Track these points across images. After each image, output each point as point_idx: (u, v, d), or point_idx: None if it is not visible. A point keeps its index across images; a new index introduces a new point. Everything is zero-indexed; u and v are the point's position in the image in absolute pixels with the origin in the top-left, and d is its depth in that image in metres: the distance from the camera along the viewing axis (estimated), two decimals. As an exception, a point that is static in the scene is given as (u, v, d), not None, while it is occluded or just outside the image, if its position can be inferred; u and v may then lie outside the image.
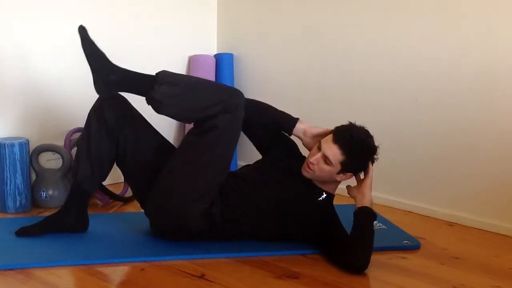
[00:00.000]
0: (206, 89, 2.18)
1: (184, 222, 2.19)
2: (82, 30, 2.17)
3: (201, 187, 2.17)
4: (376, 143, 2.22)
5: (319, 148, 2.20)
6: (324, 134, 2.26)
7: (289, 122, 2.35)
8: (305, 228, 2.28)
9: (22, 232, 2.27)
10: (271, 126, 2.39)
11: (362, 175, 2.28)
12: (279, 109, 2.39)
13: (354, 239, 2.13)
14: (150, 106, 2.15)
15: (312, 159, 2.20)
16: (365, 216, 2.18)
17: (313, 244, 2.29)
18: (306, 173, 2.25)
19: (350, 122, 2.23)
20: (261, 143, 2.47)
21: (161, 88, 2.11)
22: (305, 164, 2.25)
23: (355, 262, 2.08)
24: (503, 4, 2.50)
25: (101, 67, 2.17)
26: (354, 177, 2.28)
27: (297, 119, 2.35)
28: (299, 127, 2.33)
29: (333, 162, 2.17)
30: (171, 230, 2.26)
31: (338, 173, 2.21)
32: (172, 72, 2.20)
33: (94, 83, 2.19)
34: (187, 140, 2.25)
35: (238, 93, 2.20)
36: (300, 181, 2.29)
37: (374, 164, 2.25)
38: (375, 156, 2.23)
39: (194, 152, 2.18)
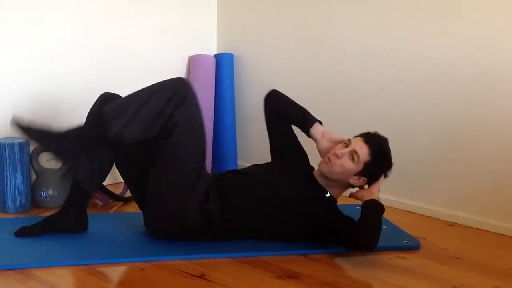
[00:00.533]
0: (152, 95, 2.12)
1: (183, 222, 2.20)
2: (17, 123, 2.16)
3: (188, 183, 2.18)
4: None
5: (346, 145, 2.25)
6: (341, 141, 2.32)
7: (312, 119, 2.41)
8: (309, 223, 2.28)
9: (22, 233, 2.27)
10: (295, 118, 2.44)
11: (366, 187, 2.33)
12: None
13: (363, 221, 2.18)
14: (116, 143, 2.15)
15: (338, 152, 2.24)
16: (373, 206, 2.22)
17: (315, 241, 2.30)
18: (324, 165, 2.28)
19: (375, 131, 2.31)
20: (279, 143, 2.50)
21: (112, 123, 2.08)
22: (325, 158, 2.29)
23: (365, 239, 2.13)
24: (503, 4, 2.50)
25: (53, 142, 2.17)
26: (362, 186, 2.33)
27: (319, 120, 2.41)
28: (319, 127, 2.38)
29: (360, 159, 2.21)
30: (172, 231, 2.26)
31: (356, 174, 2.26)
32: (114, 102, 2.17)
33: (60, 159, 2.21)
34: (157, 145, 2.20)
35: (181, 81, 2.19)
36: (307, 180, 2.33)
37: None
38: (389, 171, 2.31)
39: (169, 154, 2.17)
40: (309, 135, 2.41)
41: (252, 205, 2.27)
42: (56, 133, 2.17)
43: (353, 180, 2.28)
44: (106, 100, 2.27)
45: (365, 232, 2.15)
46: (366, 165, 2.24)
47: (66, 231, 2.29)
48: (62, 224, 2.29)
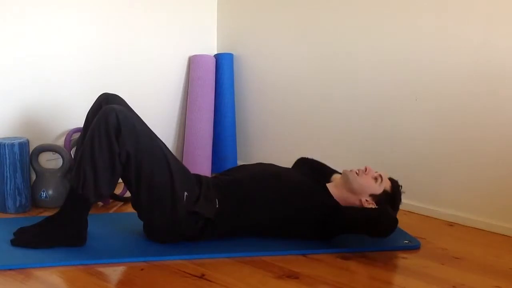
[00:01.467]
0: (93, 144, 2.12)
1: (177, 229, 2.23)
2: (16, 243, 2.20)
3: (166, 193, 2.19)
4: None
5: (377, 172, 2.39)
6: None
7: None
8: (310, 218, 2.31)
9: (18, 243, 2.20)
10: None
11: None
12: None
13: (374, 210, 2.31)
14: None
15: (367, 167, 2.39)
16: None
17: (316, 235, 2.32)
18: (351, 173, 2.37)
19: None
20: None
21: (85, 194, 2.12)
22: (352, 169, 2.39)
23: (384, 228, 2.23)
24: (503, 5, 2.50)
25: (37, 240, 2.20)
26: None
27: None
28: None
29: (383, 182, 2.36)
30: (171, 238, 2.28)
31: (371, 194, 2.34)
32: (72, 173, 2.20)
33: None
34: (125, 176, 2.21)
35: (105, 112, 2.14)
36: (313, 181, 2.41)
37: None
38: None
39: (135, 179, 2.18)
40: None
41: (251, 198, 2.29)
42: (33, 230, 2.22)
43: (365, 199, 2.35)
44: (105, 101, 2.27)
45: (381, 211, 2.27)
46: (384, 192, 2.36)
47: (65, 245, 2.21)
48: (60, 238, 2.21)
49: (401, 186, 2.44)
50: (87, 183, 2.12)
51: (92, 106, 2.30)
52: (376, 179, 2.37)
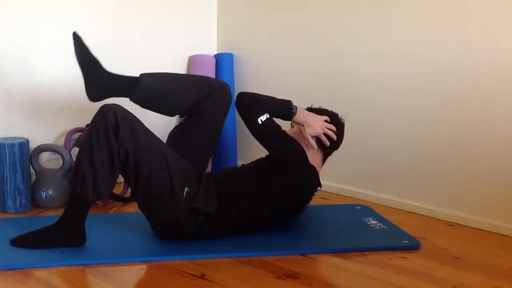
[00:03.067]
0: (91, 143, 2.12)
1: (177, 225, 2.24)
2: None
3: (164, 189, 2.19)
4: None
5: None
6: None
7: (289, 109, 2.44)
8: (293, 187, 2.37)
9: (18, 243, 2.20)
10: (276, 115, 2.45)
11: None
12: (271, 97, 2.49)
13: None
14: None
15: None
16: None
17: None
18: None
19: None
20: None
21: (84, 194, 2.13)
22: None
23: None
24: (502, 5, 2.50)
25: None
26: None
27: (289, 101, 2.45)
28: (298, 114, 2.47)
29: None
30: (170, 230, 2.28)
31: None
32: (71, 174, 2.22)
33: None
34: (124, 173, 2.24)
35: (103, 111, 2.15)
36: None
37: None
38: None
39: (134, 176, 2.19)
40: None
41: (244, 191, 2.32)
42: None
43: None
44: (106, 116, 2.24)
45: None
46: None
47: (64, 246, 2.20)
48: (60, 238, 2.21)
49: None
50: (85, 183, 2.12)
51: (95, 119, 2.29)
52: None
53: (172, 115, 2.49)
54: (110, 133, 2.10)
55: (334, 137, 2.46)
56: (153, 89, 2.31)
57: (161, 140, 2.30)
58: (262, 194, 2.33)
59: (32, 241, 2.20)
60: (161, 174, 2.19)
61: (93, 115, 2.17)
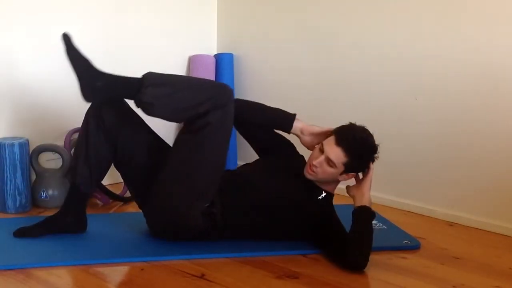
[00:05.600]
0: (195, 86, 2.16)
1: (185, 222, 2.20)
2: (66, 38, 2.19)
3: (199, 186, 2.17)
4: (376, 142, 2.23)
5: (322, 151, 2.20)
6: (322, 133, 2.29)
7: (287, 121, 2.35)
8: (305, 225, 2.28)
9: (20, 233, 2.27)
10: (269, 126, 2.41)
11: (361, 175, 2.28)
12: (273, 107, 2.40)
13: (353, 238, 2.13)
14: (139, 109, 2.15)
15: (315, 162, 2.20)
16: (364, 215, 2.19)
17: (312, 241, 2.29)
18: (309, 175, 2.26)
19: (350, 123, 2.24)
20: (259, 145, 2.49)
21: (148, 90, 2.09)
22: (307, 166, 2.25)
23: (354, 260, 2.08)
24: (504, 4, 2.50)
25: (87, 74, 2.17)
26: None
27: (294, 116, 2.35)
28: (296, 126, 2.34)
29: (336, 164, 2.18)
30: (172, 231, 2.26)
31: (341, 174, 2.23)
32: (158, 73, 2.18)
33: (80, 90, 2.18)
34: (180, 139, 2.23)
35: (227, 88, 2.19)
36: (300, 181, 2.30)
37: (374, 163, 2.26)
38: (376, 155, 2.24)
39: (189, 151, 2.16)
40: (289, 133, 2.39)
41: (248, 209, 2.27)
42: (94, 70, 2.19)
43: (342, 178, 2.27)
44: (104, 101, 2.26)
45: (355, 253, 2.09)
46: (346, 165, 2.19)
47: (65, 232, 2.28)
48: (62, 224, 2.28)
49: (354, 134, 2.17)
50: (156, 90, 2.09)
51: (90, 106, 2.29)
52: (328, 163, 2.18)
53: (179, 120, 2.33)
54: (212, 100, 2.10)
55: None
56: (161, 85, 2.13)
57: None
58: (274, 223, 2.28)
59: (33, 229, 2.24)
60: (212, 170, 2.18)
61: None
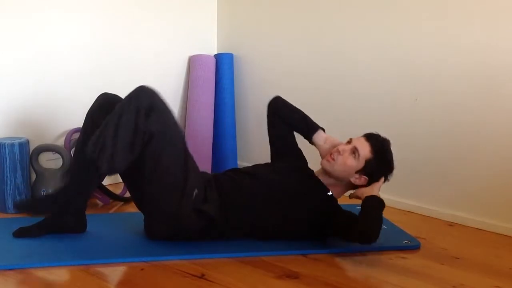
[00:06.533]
0: (121, 115, 2.08)
1: (179, 224, 2.22)
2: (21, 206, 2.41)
3: (177, 185, 2.18)
4: None
5: (349, 142, 2.29)
6: (342, 144, 2.36)
7: (315, 126, 2.45)
8: (310, 221, 2.30)
9: (20, 233, 2.27)
10: (298, 128, 2.49)
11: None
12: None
13: (365, 213, 2.18)
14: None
15: (340, 148, 2.28)
16: (375, 201, 2.23)
17: (315, 239, 2.31)
18: (326, 163, 2.31)
19: (377, 133, 2.35)
20: (281, 149, 2.53)
21: (99, 162, 2.06)
22: (327, 155, 2.32)
23: (366, 231, 2.14)
24: (504, 6, 2.50)
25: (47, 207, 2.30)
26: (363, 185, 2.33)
27: (322, 127, 2.45)
28: (321, 134, 2.43)
29: (361, 155, 2.25)
30: (171, 234, 2.27)
31: (357, 172, 2.28)
32: (92, 139, 2.10)
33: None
34: (140, 157, 2.16)
35: (142, 89, 2.14)
36: (309, 178, 2.35)
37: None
38: (390, 175, 2.33)
39: (151, 164, 2.15)
40: (311, 142, 2.44)
41: (252, 204, 2.28)
42: (51, 196, 2.33)
43: (354, 179, 2.30)
44: (105, 101, 2.26)
45: (367, 224, 2.16)
46: (367, 162, 2.27)
47: (65, 232, 2.29)
48: (61, 224, 2.28)
49: (384, 139, 2.31)
50: (103, 153, 2.05)
51: (91, 107, 2.30)
52: (353, 154, 2.26)
53: (136, 152, 2.17)
54: (141, 113, 2.07)
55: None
56: (102, 144, 2.07)
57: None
58: (274, 214, 2.29)
59: (32, 229, 2.25)
60: (179, 169, 2.18)
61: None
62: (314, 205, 2.30)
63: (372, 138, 2.30)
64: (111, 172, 2.21)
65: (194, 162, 2.31)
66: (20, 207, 2.42)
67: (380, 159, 2.28)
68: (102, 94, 2.33)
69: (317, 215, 2.28)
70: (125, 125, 2.06)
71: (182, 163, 2.20)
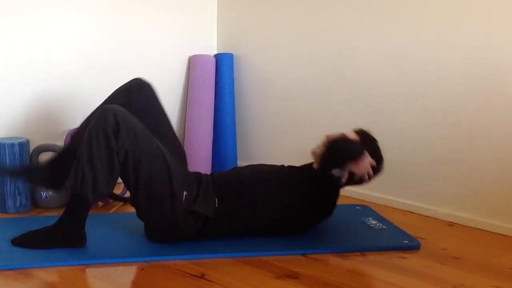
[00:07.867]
0: (90, 142, 2.10)
1: (176, 229, 2.23)
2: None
3: (165, 192, 2.19)
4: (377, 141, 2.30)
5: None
6: None
7: None
8: (310, 204, 2.35)
9: (19, 243, 2.21)
10: None
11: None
12: None
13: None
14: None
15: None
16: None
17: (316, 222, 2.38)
18: (316, 149, 2.35)
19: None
20: None
21: (84, 194, 2.11)
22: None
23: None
24: (504, 6, 2.50)
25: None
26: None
27: None
28: None
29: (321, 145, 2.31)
30: (169, 238, 2.28)
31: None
32: (71, 173, 2.15)
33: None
34: (123, 175, 2.20)
35: (104, 110, 2.14)
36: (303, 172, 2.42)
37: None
38: (381, 167, 2.36)
39: (133, 179, 2.17)
40: None
41: (241, 185, 2.33)
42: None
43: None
44: (137, 86, 2.36)
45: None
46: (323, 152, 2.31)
47: (63, 246, 2.20)
48: (61, 238, 2.21)
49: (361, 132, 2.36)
50: (85, 183, 2.11)
51: (121, 87, 2.33)
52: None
53: (118, 173, 2.21)
54: (109, 133, 2.09)
55: (365, 182, 2.37)
56: (81, 172, 2.12)
57: (160, 143, 2.29)
58: (271, 208, 2.32)
59: (32, 241, 2.20)
60: (161, 176, 2.19)
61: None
62: (311, 191, 2.34)
63: (360, 133, 2.36)
64: (98, 198, 2.27)
65: (179, 164, 2.32)
66: (18, 244, 2.25)
67: (368, 143, 2.34)
68: (135, 78, 2.40)
69: (315, 196, 2.33)
70: (98, 151, 2.10)
71: (164, 169, 2.20)
